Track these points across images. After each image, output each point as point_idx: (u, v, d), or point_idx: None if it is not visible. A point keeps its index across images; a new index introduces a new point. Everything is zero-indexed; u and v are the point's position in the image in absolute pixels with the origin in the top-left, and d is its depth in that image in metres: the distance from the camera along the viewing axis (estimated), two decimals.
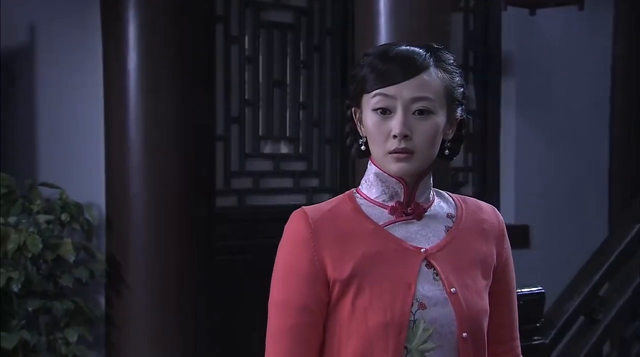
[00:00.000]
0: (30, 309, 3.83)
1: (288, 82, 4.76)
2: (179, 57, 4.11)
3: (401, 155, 1.55)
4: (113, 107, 4.12)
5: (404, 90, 1.54)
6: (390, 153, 1.56)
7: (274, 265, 1.61)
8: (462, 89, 1.63)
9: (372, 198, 1.63)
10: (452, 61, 1.63)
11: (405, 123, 1.54)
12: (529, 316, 2.73)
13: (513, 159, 5.25)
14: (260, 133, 4.69)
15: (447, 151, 1.63)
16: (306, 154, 4.81)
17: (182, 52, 4.12)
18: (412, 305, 1.57)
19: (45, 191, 4.10)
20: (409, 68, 1.55)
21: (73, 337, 3.88)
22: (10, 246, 3.76)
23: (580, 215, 5.42)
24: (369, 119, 1.58)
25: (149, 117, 4.07)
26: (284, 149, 4.78)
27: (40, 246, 3.77)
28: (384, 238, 1.59)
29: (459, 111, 1.63)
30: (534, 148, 5.28)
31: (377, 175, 1.62)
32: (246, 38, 4.62)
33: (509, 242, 1.71)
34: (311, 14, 4.82)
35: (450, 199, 1.69)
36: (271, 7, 4.69)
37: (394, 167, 1.57)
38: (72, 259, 3.84)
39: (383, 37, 3.22)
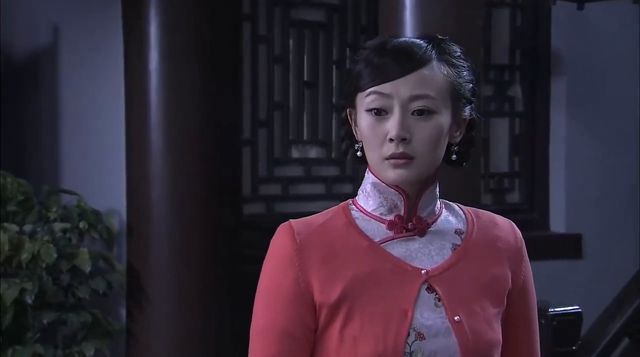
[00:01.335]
0: (45, 321, 3.67)
1: (319, 83, 4.57)
2: (203, 57, 3.93)
3: (399, 161, 1.39)
4: (134, 110, 3.96)
5: (401, 88, 1.39)
6: (386, 159, 1.41)
7: (258, 285, 1.47)
8: (471, 85, 1.47)
9: (368, 211, 1.47)
10: (458, 54, 1.46)
11: (402, 124, 1.39)
12: (565, 338, 2.47)
13: (563, 163, 4.99)
14: (289, 137, 4.52)
15: (454, 156, 1.48)
16: (339, 159, 4.60)
17: (207, 52, 3.94)
18: (409, 335, 1.40)
19: (67, 198, 3.96)
20: (407, 62, 1.40)
21: (90, 351, 3.71)
22: (25, 256, 3.61)
23: (637, 223, 5.09)
24: (363, 121, 1.43)
25: (172, 120, 3.90)
26: (315, 153, 4.58)
27: (55, 255, 3.61)
28: (379, 257, 1.43)
29: (467, 110, 1.47)
30: (585, 151, 4.99)
31: (374, 185, 1.46)
32: (275, 37, 4.44)
33: (528, 263, 1.53)
34: (344, 12, 4.61)
35: (461, 213, 1.51)
36: (302, 5, 4.51)
37: (392, 174, 1.41)
38: (87, 269, 3.67)
39: (408, 34, 2.98)
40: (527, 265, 1.53)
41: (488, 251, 1.48)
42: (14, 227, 3.68)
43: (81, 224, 3.80)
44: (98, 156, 4.11)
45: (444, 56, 1.43)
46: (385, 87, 1.40)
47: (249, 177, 4.38)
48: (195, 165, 3.92)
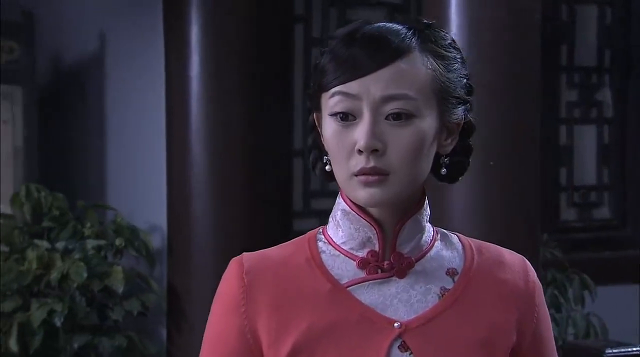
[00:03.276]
0: (76, 345, 3.45)
1: None
2: (249, 61, 3.65)
3: (370, 178, 1.13)
4: (174, 120, 3.72)
5: (371, 86, 1.13)
6: (355, 175, 1.14)
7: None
8: (464, 81, 1.20)
9: (338, 244, 1.21)
10: (448, 42, 1.19)
11: (373, 132, 1.13)
12: None
13: None
14: None
15: (444, 170, 1.20)
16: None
17: (253, 56, 3.65)
18: None
19: (110, 213, 3.76)
20: (379, 54, 1.13)
21: None
22: (54, 275, 3.40)
23: None
24: (327, 128, 1.17)
25: (214, 130, 3.63)
26: None
27: (85, 274, 3.38)
28: (343, 304, 1.17)
29: (459, 112, 1.20)
30: None
31: (344, 212, 1.20)
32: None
33: (544, 311, 1.25)
34: (407, 11, 4.28)
35: (459, 246, 1.23)
36: (360, 5, 4.20)
37: (362, 194, 1.15)
38: (120, 289, 3.43)
39: (453, 28, 2.62)
40: (542, 314, 1.24)
41: (488, 297, 1.20)
42: (45, 244, 3.49)
43: (117, 241, 3.57)
44: (141, 169, 3.91)
45: (428, 45, 1.16)
46: (351, 86, 1.13)
47: (300, 191, 4.08)
48: (240, 178, 3.65)
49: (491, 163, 2.54)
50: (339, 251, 1.20)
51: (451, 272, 1.21)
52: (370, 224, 1.18)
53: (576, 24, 4.54)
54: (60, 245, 3.52)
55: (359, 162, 1.13)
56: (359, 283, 1.18)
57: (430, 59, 1.16)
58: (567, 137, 4.49)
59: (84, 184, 4.05)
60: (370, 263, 1.18)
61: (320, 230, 1.23)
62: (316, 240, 1.22)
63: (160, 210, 3.75)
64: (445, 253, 1.22)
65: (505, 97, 2.57)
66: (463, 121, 1.21)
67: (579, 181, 4.55)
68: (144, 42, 3.90)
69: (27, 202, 3.57)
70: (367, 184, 1.13)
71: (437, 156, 1.19)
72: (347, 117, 1.14)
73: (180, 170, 3.69)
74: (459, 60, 1.19)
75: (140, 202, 3.82)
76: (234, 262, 1.21)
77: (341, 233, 1.20)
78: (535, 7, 2.64)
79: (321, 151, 1.21)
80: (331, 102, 1.15)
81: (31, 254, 3.42)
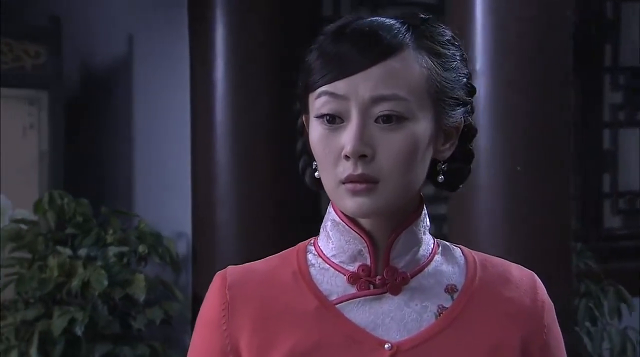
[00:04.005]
0: (97, 355, 3.38)
1: None
2: (275, 65, 3.54)
3: (358, 187, 1.05)
4: (199, 124, 3.64)
5: (360, 86, 1.05)
6: (343, 183, 1.06)
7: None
8: (464, 80, 1.11)
9: (328, 256, 1.13)
10: (446, 38, 1.11)
11: (361, 136, 1.05)
12: None
13: None
14: None
15: (441, 177, 1.11)
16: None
17: (279, 59, 3.55)
18: None
19: (135, 220, 3.69)
20: (369, 51, 1.05)
21: None
22: (75, 283, 3.33)
23: None
24: (313, 131, 1.09)
25: (239, 135, 3.54)
26: None
27: (106, 282, 3.31)
28: (330, 323, 1.09)
29: (458, 114, 1.10)
30: None
31: (334, 223, 1.12)
32: None
33: (556, 333, 1.16)
34: (442, 12, 4.11)
35: (462, 261, 1.15)
36: (392, 5, 4.08)
37: (350, 204, 1.06)
38: (142, 297, 3.35)
39: (479, 26, 2.49)
40: (553, 336, 1.14)
41: (490, 316, 1.11)
42: (67, 251, 3.43)
43: (140, 248, 3.50)
44: (167, 175, 3.84)
45: (423, 42, 1.08)
46: (338, 86, 1.05)
47: (326, 197, 3.95)
48: (266, 184, 3.55)
49: (518, 168, 2.40)
50: (328, 264, 1.12)
51: (450, 289, 1.12)
52: (361, 236, 1.10)
53: (621, 22, 4.36)
54: (82, 252, 3.45)
55: (346, 168, 1.05)
56: (349, 300, 1.10)
57: (426, 57, 1.07)
58: (610, 141, 4.35)
59: (111, 190, 3.99)
60: (361, 278, 1.10)
61: (312, 241, 1.16)
62: (306, 252, 1.14)
63: (185, 216, 3.68)
64: (445, 268, 1.13)
65: (534, 97, 2.43)
66: (463, 124, 1.11)
67: (624, 187, 4.39)
68: (170, 46, 3.84)
69: (50, 208, 3.51)
70: (354, 193, 1.05)
71: (435, 162, 1.11)
72: (334, 120, 1.06)
73: (205, 176, 3.61)
74: (458, 57, 1.11)
75: (166, 209, 3.75)
76: (217, 277, 1.14)
77: (331, 245, 1.12)
78: (566, 3, 2.49)
79: (310, 157, 1.13)
80: (317, 103, 1.07)
81: (52, 262, 3.36)
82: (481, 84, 2.47)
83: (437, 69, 1.08)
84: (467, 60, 1.13)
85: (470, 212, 2.50)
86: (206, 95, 3.58)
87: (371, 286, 1.10)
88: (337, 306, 1.10)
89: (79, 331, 3.31)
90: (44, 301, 3.43)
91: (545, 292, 1.15)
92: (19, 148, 3.83)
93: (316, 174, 1.11)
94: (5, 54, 3.86)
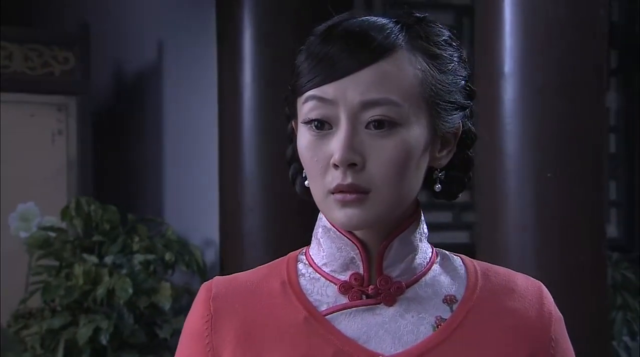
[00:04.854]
0: None
1: None
2: None
3: (348, 197, 0.99)
4: (227, 130, 3.58)
5: (349, 90, 0.99)
6: (332, 193, 1.00)
7: None
8: (463, 83, 1.04)
9: (319, 265, 1.07)
10: (443, 38, 1.04)
11: (350, 143, 0.99)
12: None
13: None
14: None
15: (438, 186, 1.06)
16: (468, 183, 3.99)
17: None
18: None
19: (162, 227, 3.65)
20: (359, 52, 0.99)
21: None
22: (100, 291, 3.30)
23: None
24: (300, 138, 1.03)
25: (267, 141, 3.47)
26: None
27: (131, 291, 3.27)
28: (319, 335, 1.03)
29: (456, 119, 1.04)
30: None
31: (325, 229, 1.07)
32: None
33: (566, 348, 1.08)
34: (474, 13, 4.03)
35: (462, 270, 1.08)
36: (424, 7, 3.95)
37: (339, 215, 1.00)
38: (167, 306, 3.30)
39: (507, 25, 2.39)
40: (562, 350, 1.07)
41: (492, 328, 1.04)
42: (93, 259, 3.39)
43: (167, 256, 3.45)
44: (196, 183, 3.80)
45: (418, 42, 1.01)
46: (326, 90, 0.99)
47: None
48: (294, 191, 3.45)
49: (548, 175, 2.30)
50: (319, 273, 1.06)
51: (449, 300, 1.05)
52: (353, 242, 1.04)
53: None
54: (109, 260, 3.42)
55: (335, 178, 0.99)
56: (340, 310, 1.04)
57: (420, 59, 1.01)
58: None
59: (139, 197, 3.97)
60: (353, 288, 1.04)
61: (304, 250, 1.10)
62: (297, 261, 1.08)
63: (213, 224, 3.63)
64: (444, 278, 1.06)
65: (565, 101, 2.32)
66: (461, 130, 1.05)
67: None
68: (198, 52, 3.81)
69: (77, 215, 3.48)
70: (344, 204, 0.99)
71: (431, 170, 1.05)
72: (322, 126, 1.00)
73: (233, 183, 3.55)
74: (455, 59, 1.04)
75: (194, 216, 3.70)
76: (203, 287, 1.09)
77: (322, 253, 1.06)
78: (600, 2, 2.39)
79: (299, 163, 1.06)
80: (305, 108, 1.01)
81: (78, 269, 3.33)
82: (509, 87, 2.38)
83: (432, 72, 1.01)
84: (465, 61, 1.06)
85: (498, 221, 2.40)
86: (233, 101, 3.52)
87: (364, 296, 1.04)
88: (327, 317, 1.04)
89: (104, 339, 3.27)
90: (70, 309, 3.40)
91: (553, 303, 1.09)
92: (48, 155, 3.82)
93: (306, 182, 1.05)
94: (35, 60, 3.86)
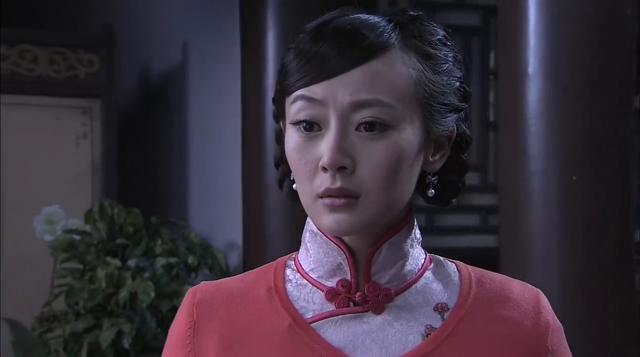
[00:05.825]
0: None
1: (472, 98, 3.94)
2: None
3: (337, 202, 0.95)
4: (250, 132, 3.55)
5: (339, 90, 0.95)
6: (320, 197, 0.96)
7: None
8: (457, 84, 1.00)
9: (306, 271, 1.03)
10: (438, 37, 1.00)
11: (340, 146, 0.94)
12: None
13: None
14: None
15: (431, 191, 1.01)
16: (497, 185, 3.95)
17: None
18: None
19: (186, 230, 3.63)
20: (349, 51, 0.95)
21: None
22: (123, 294, 3.29)
23: None
24: (288, 139, 0.99)
25: None
26: (467, 179, 3.93)
27: (153, 294, 3.25)
28: (303, 343, 0.99)
29: (450, 122, 1.00)
30: None
31: (312, 234, 1.02)
32: None
33: (563, 356, 1.02)
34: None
35: (456, 277, 1.04)
36: (450, 8, 3.96)
37: (327, 221, 0.96)
38: None
39: (531, 25, 2.34)
40: None
41: (484, 338, 1.00)
42: (116, 262, 3.38)
43: (190, 259, 3.43)
44: (219, 185, 3.77)
45: (411, 41, 0.97)
46: (316, 90, 0.95)
47: None
48: None
49: (574, 178, 2.24)
50: (306, 279, 1.02)
51: (440, 308, 1.01)
52: (340, 247, 1.00)
53: None
54: (132, 263, 3.41)
55: (323, 181, 0.95)
56: (326, 318, 1.00)
57: (413, 58, 0.97)
58: None
59: (163, 200, 3.95)
60: (339, 295, 1.00)
61: (293, 255, 1.06)
62: (285, 267, 1.05)
63: (237, 227, 3.61)
64: (436, 285, 1.02)
65: (591, 102, 2.26)
66: (455, 133, 1.01)
67: None
68: (223, 53, 3.79)
69: (101, 218, 3.48)
70: (333, 209, 0.95)
71: (425, 174, 1.01)
72: (311, 127, 0.96)
73: (256, 185, 3.52)
74: (450, 59, 0.99)
75: (218, 219, 3.68)
76: (188, 293, 1.06)
77: (310, 259, 1.02)
78: (626, 1, 2.33)
79: (287, 166, 1.02)
80: (293, 108, 0.97)
81: (101, 272, 3.32)
82: (534, 87, 2.32)
83: (426, 72, 0.97)
84: (460, 61, 1.01)
85: (522, 224, 2.35)
86: (257, 102, 3.50)
87: (351, 304, 1.00)
88: (312, 325, 1.00)
89: (126, 343, 3.26)
90: (93, 312, 3.39)
91: (552, 312, 1.04)
92: (72, 158, 3.82)
93: (294, 185, 1.00)
94: (60, 63, 3.86)
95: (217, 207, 3.77)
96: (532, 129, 2.31)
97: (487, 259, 2.79)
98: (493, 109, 3.99)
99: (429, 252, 1.06)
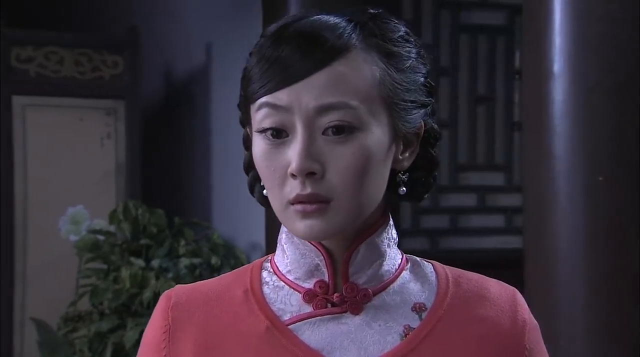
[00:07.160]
0: None
1: (497, 97, 3.94)
2: None
3: (308, 208, 0.94)
4: None
5: (303, 95, 0.94)
6: (291, 203, 0.95)
7: None
8: (422, 80, 1.00)
9: (283, 273, 1.03)
10: (398, 34, 0.99)
11: (307, 151, 0.94)
12: None
13: None
14: (459, 160, 3.90)
15: (402, 188, 1.00)
16: (522, 185, 3.93)
17: None
18: None
19: (209, 230, 3.64)
20: (310, 55, 0.94)
21: None
22: (146, 294, 3.30)
23: None
24: (256, 147, 0.98)
25: None
26: (491, 179, 3.94)
27: None
28: (280, 346, 0.98)
29: (417, 118, 0.99)
30: None
31: (289, 235, 1.03)
32: (441, 45, 3.90)
33: (540, 353, 1.03)
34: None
35: (433, 277, 1.04)
36: (475, 7, 3.94)
37: (300, 227, 0.96)
38: None
39: (557, 24, 2.32)
40: None
41: (462, 337, 1.00)
42: (140, 263, 3.40)
43: (213, 259, 3.44)
44: (242, 186, 3.77)
45: (373, 40, 0.96)
46: (280, 96, 0.94)
47: (407, 207, 3.85)
48: None
49: (600, 178, 2.22)
50: (283, 281, 1.02)
51: (418, 308, 1.01)
52: (317, 248, 0.99)
53: None
54: (155, 263, 3.42)
55: (293, 188, 0.94)
56: (304, 320, 0.99)
57: (376, 57, 0.96)
58: None
59: (187, 201, 3.97)
60: (317, 296, 0.99)
61: (269, 257, 1.06)
62: (261, 269, 1.04)
63: (260, 227, 3.60)
64: (414, 285, 1.02)
65: (617, 101, 2.24)
66: (423, 129, 1.00)
67: None
68: (246, 54, 3.79)
69: (125, 218, 3.50)
70: (304, 215, 0.94)
71: (395, 172, 0.99)
72: (279, 134, 0.95)
73: None
74: (413, 55, 0.98)
75: (241, 220, 3.68)
76: (163, 296, 1.04)
77: (287, 260, 1.01)
78: None
79: (256, 172, 1.01)
80: (258, 116, 0.95)
81: (125, 273, 3.34)
82: (559, 87, 2.30)
83: (389, 71, 0.96)
84: (424, 56, 1.00)
85: (547, 225, 2.33)
86: None
87: (329, 305, 0.99)
88: (289, 326, 0.99)
89: None
90: (118, 312, 3.41)
91: (528, 310, 1.04)
92: (97, 158, 3.84)
93: (265, 191, 0.99)
94: (85, 64, 3.89)
95: (240, 208, 3.77)
96: (557, 129, 2.29)
97: (512, 261, 2.77)
98: (518, 109, 3.97)
99: (405, 253, 1.05)
